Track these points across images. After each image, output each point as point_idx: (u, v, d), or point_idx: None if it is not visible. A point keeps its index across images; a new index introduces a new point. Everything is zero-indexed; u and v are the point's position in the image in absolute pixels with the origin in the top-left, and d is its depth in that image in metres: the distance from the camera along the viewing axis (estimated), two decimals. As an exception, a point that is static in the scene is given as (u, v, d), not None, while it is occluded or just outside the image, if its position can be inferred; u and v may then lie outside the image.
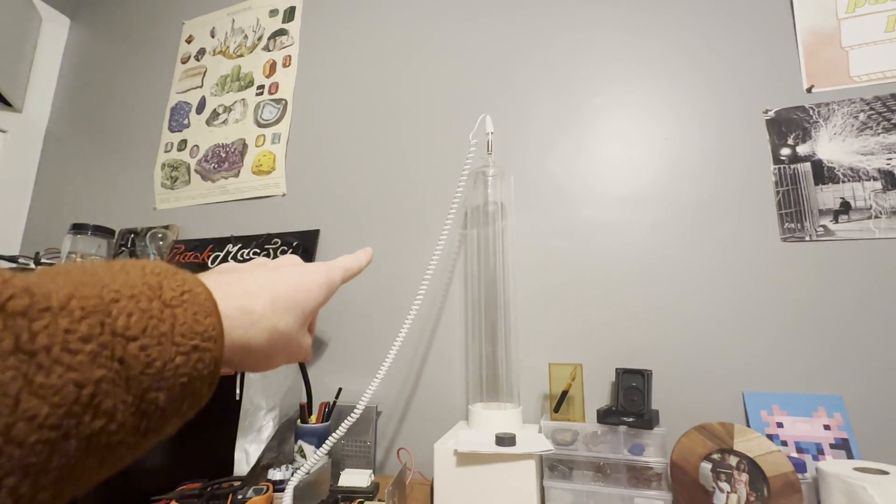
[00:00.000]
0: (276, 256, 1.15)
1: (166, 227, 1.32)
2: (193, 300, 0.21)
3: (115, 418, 0.17)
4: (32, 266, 1.03)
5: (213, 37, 1.47)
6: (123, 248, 1.28)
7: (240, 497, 0.69)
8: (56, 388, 0.15)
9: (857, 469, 0.59)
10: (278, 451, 0.87)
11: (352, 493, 0.76)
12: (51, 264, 1.02)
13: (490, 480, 0.67)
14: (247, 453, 0.85)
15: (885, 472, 0.58)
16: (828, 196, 0.79)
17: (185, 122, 1.43)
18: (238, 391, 0.86)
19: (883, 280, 0.74)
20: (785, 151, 0.83)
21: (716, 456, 0.65)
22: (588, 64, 1.00)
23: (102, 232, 0.99)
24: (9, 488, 0.14)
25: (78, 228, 0.96)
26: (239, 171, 1.29)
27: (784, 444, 0.72)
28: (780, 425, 0.73)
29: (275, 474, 0.77)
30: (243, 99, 1.35)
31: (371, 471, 0.82)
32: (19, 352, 0.15)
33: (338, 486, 0.77)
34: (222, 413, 0.86)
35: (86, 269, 0.20)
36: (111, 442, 0.17)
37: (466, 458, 0.68)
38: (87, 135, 1.61)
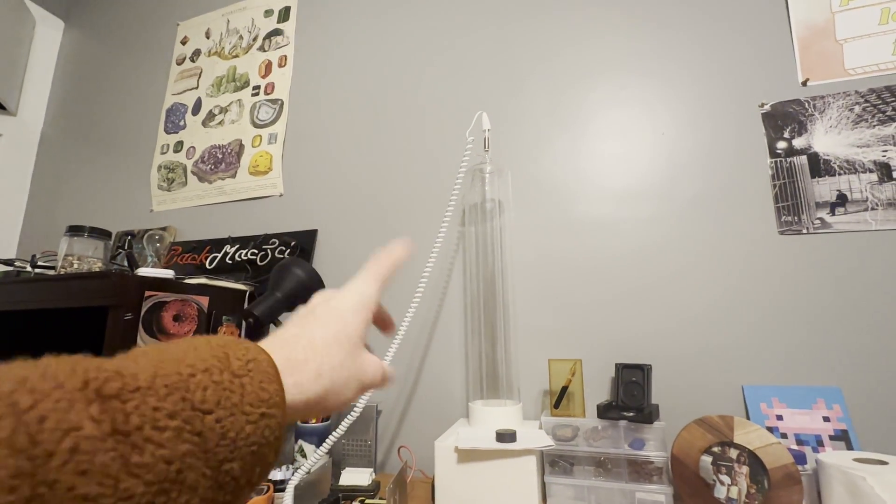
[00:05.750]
0: (273, 257, 1.15)
1: (163, 229, 1.31)
2: (258, 368, 0.22)
3: (197, 492, 0.17)
4: (29, 269, 1.02)
5: (208, 38, 1.47)
6: (120, 251, 1.27)
7: (240, 497, 0.69)
8: (149, 467, 0.16)
9: (856, 460, 0.59)
10: (279, 451, 0.86)
11: (353, 491, 0.76)
12: (48, 267, 1.01)
13: (491, 477, 0.67)
14: (247, 454, 0.84)
15: (885, 462, 0.58)
16: (824, 189, 0.79)
17: (181, 123, 1.42)
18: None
19: (880, 271, 0.74)
20: (781, 145, 0.83)
21: (716, 449, 0.65)
22: (584, 60, 1.00)
23: (99, 234, 0.98)
24: None
25: (74, 231, 0.96)
26: (236, 172, 1.29)
27: (784, 436, 0.72)
28: (779, 418, 0.73)
29: (275, 474, 0.77)
30: (239, 100, 1.35)
31: (372, 469, 0.82)
32: (117, 433, 0.16)
33: (339, 486, 0.77)
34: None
35: (161, 348, 0.20)
36: None
37: (467, 455, 0.68)
38: (82, 137, 1.60)
